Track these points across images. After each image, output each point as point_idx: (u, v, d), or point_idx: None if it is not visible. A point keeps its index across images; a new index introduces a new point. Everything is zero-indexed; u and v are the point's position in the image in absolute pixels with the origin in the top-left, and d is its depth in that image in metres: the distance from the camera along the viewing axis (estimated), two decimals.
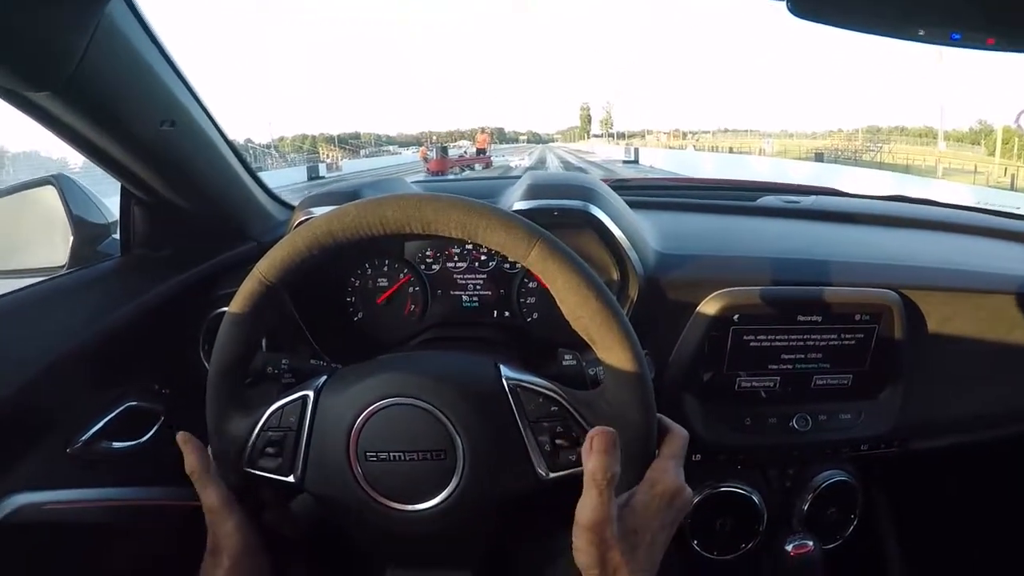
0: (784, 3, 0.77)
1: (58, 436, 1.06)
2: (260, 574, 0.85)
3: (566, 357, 0.88)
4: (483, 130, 50.28)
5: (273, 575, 0.86)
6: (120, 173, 1.16)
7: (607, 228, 1.12)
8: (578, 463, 0.74)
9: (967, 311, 1.20)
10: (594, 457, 0.70)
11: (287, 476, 0.80)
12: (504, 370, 0.80)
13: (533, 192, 1.16)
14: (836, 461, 1.32)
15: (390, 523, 0.78)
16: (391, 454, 0.77)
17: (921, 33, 0.78)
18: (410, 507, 0.77)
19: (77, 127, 1.02)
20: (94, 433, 1.09)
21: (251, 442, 0.81)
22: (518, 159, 59.78)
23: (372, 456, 0.77)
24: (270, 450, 0.81)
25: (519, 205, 1.14)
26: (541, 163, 51.99)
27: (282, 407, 0.81)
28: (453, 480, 0.76)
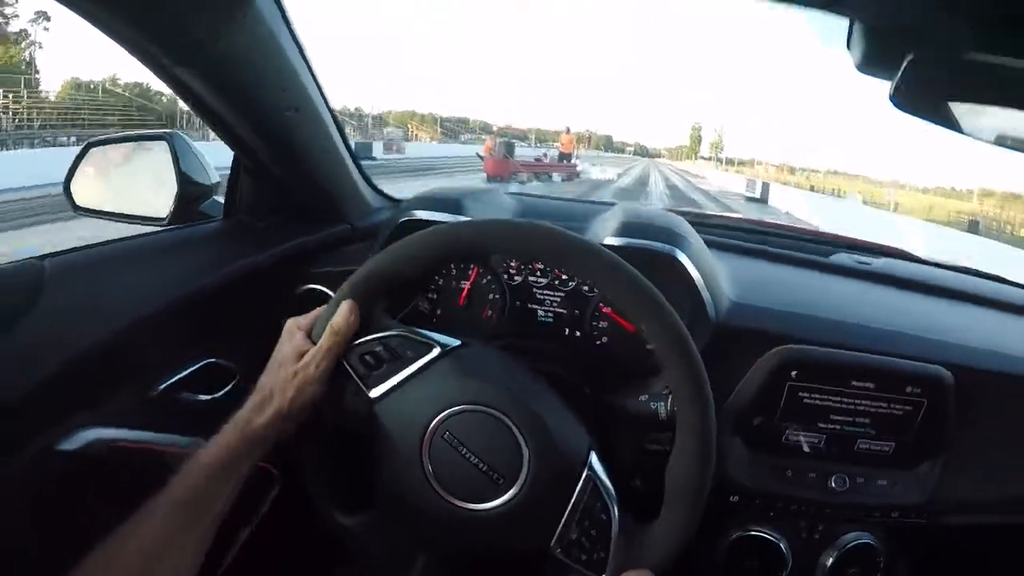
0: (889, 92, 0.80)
1: (140, 381, 1.13)
2: (273, 440, 0.89)
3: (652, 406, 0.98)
4: (568, 130, 44.07)
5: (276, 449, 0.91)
6: (238, 145, 1.24)
7: (689, 274, 1.17)
8: (585, 565, 0.83)
9: (1018, 397, 1.22)
10: None
11: (367, 388, 0.87)
12: (593, 459, 0.87)
13: (625, 230, 1.21)
14: (866, 523, 1.33)
15: (414, 491, 0.86)
16: (464, 449, 0.84)
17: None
18: (447, 496, 0.85)
19: (209, 102, 1.10)
20: (173, 383, 1.16)
21: (360, 342, 0.89)
22: (614, 171, 46.76)
23: (448, 438, 0.84)
24: (369, 359, 0.88)
25: (609, 240, 1.19)
26: (641, 185, 38.31)
27: (407, 337, 0.89)
28: (494, 502, 0.84)
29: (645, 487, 0.97)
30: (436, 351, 0.88)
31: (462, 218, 1.23)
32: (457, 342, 0.90)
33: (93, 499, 1.07)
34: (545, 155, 34.39)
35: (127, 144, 1.44)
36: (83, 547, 1.05)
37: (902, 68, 0.79)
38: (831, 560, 1.32)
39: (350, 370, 0.88)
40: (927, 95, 0.81)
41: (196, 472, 0.84)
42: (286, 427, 0.88)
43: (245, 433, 0.86)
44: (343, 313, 0.87)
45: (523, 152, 39.87)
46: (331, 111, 1.30)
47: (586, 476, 0.85)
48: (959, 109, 0.84)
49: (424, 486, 0.85)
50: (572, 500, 0.83)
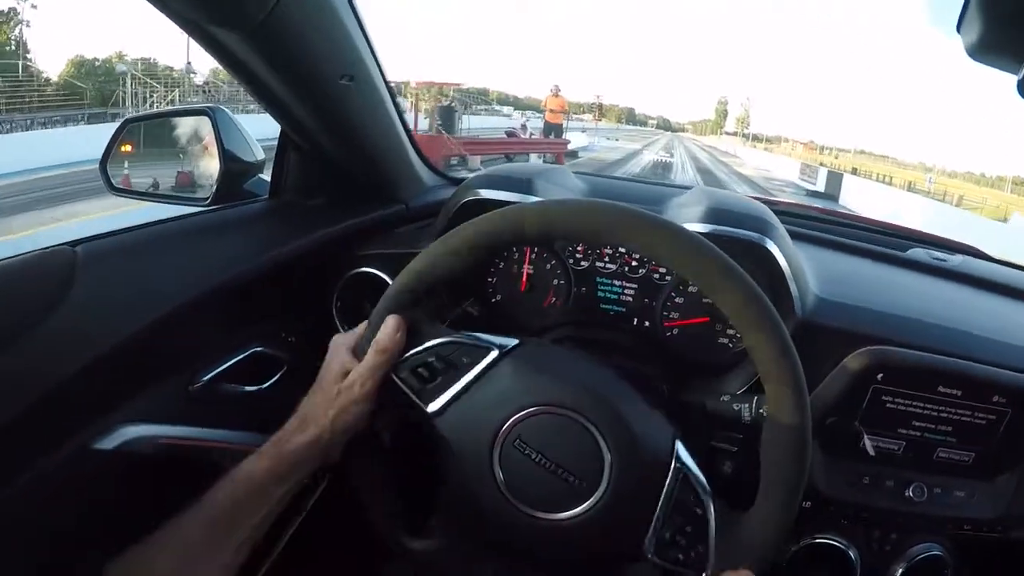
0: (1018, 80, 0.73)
1: (182, 373, 1.09)
2: (317, 462, 0.86)
3: (735, 407, 0.92)
4: (557, 91, 23.11)
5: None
6: (286, 119, 1.18)
7: (778, 265, 1.11)
8: (684, 564, 0.77)
9: None
10: None
11: (425, 403, 0.82)
12: (680, 448, 0.81)
13: (711, 216, 1.14)
14: (937, 534, 1.28)
15: (486, 504, 0.81)
16: (538, 455, 0.78)
17: None
18: (523, 507, 0.80)
19: (258, 71, 1.02)
20: (217, 374, 1.12)
21: (410, 354, 0.83)
22: (631, 146, 39.35)
23: (520, 446, 0.79)
24: (422, 371, 0.83)
25: (694, 227, 1.12)
26: (663, 170, 29.33)
27: (461, 344, 0.83)
28: (576, 509, 0.78)
29: (735, 475, 0.93)
30: (494, 353, 0.82)
31: (532, 199, 1.17)
32: (515, 341, 0.84)
33: (135, 499, 1.04)
34: (524, 127, 24.95)
35: (167, 120, 1.41)
36: (121, 548, 1.02)
37: None
38: (900, 571, 1.27)
39: (403, 385, 0.83)
40: None
41: (235, 486, 0.83)
42: (329, 449, 0.85)
43: (284, 453, 0.83)
44: (388, 329, 0.83)
45: (491, 124, 31.53)
46: (386, 81, 1.23)
47: (675, 468, 0.79)
48: None
49: (497, 498, 0.80)
50: (662, 496, 0.78)
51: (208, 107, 1.30)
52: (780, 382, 0.77)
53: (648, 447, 0.80)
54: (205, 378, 1.10)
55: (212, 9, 0.88)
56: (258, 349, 1.18)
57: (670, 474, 0.78)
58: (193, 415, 1.09)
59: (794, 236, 1.33)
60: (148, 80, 28.22)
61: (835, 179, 26.32)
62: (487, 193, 1.18)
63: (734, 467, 1.00)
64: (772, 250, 1.11)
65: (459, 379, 0.81)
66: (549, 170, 1.32)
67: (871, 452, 1.15)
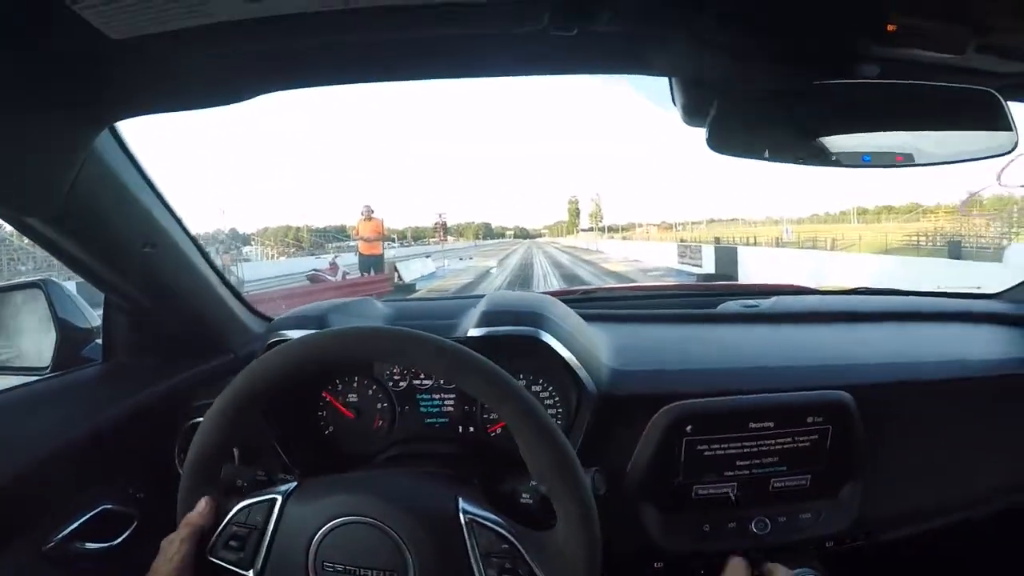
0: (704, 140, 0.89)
1: (33, 534, 1.10)
2: None
3: (523, 496, 0.95)
4: (369, 214, 16.53)
5: None
6: (106, 287, 1.22)
7: (558, 353, 1.18)
8: None
9: (922, 401, 1.24)
10: None
11: (246, 570, 0.86)
12: (463, 503, 0.87)
13: (487, 319, 1.22)
14: (803, 559, 1.28)
15: None
16: (347, 567, 0.84)
17: (834, 159, 0.91)
18: None
19: (67, 248, 1.09)
20: (68, 533, 1.13)
21: (217, 533, 0.88)
22: (484, 265, 35.41)
23: (329, 567, 0.84)
24: (233, 543, 0.87)
25: (473, 332, 1.20)
26: (520, 283, 23.24)
27: (250, 505, 0.88)
28: None
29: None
30: (279, 499, 0.88)
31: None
32: (294, 483, 0.91)
33: None
34: (334, 265, 20.21)
35: (1, 295, 1.42)
36: None
37: (710, 115, 0.86)
38: None
39: (223, 564, 0.88)
40: (735, 135, 0.90)
41: None
42: None
43: None
44: (199, 508, 0.89)
45: (286, 269, 26.50)
46: (194, 241, 1.29)
47: (466, 522, 0.85)
48: (763, 141, 0.94)
49: None
50: (469, 550, 0.83)
51: (39, 280, 1.35)
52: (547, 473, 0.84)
53: (434, 517, 0.86)
54: (57, 538, 1.11)
55: (11, 200, 0.96)
56: (107, 507, 1.19)
57: (464, 528, 0.84)
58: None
59: (597, 319, 1.44)
60: None
61: (727, 255, 21.35)
62: (290, 333, 1.23)
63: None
64: (547, 340, 1.18)
65: (264, 537, 0.87)
66: (349, 303, 1.39)
67: (717, 500, 1.20)
